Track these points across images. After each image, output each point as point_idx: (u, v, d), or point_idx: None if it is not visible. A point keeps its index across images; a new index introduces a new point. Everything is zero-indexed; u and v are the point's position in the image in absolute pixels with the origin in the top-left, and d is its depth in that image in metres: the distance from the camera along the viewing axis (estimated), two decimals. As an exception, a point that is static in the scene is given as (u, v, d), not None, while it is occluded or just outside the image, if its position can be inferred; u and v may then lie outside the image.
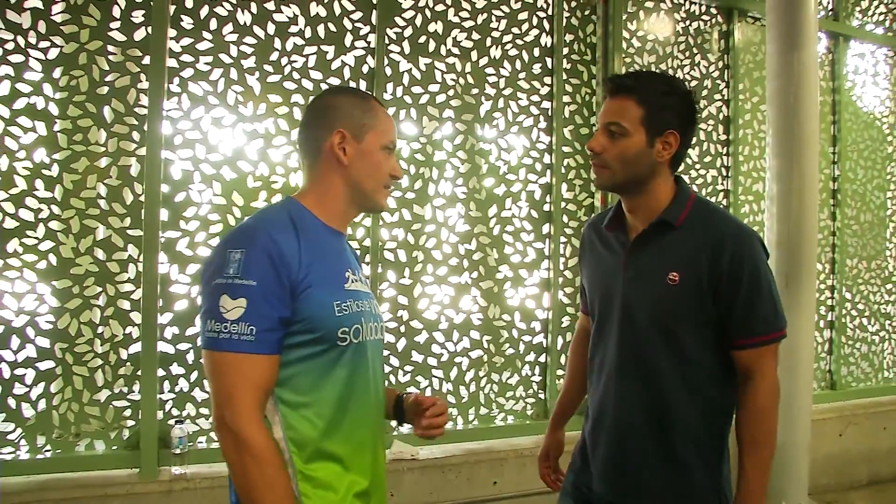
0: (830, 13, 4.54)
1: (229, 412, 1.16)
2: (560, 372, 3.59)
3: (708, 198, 4.06)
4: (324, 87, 3.08)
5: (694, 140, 3.96)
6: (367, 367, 1.36)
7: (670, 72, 3.96)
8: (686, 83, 1.72)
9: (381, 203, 1.43)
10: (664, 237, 1.59)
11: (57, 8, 2.64)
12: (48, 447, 2.64)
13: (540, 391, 3.59)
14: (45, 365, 2.62)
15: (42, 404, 2.62)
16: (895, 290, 4.82)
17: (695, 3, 4.07)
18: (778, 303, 1.55)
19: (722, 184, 4.16)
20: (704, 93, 4.10)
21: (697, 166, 4.06)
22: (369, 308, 1.38)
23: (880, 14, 4.78)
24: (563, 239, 3.63)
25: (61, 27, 2.64)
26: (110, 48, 2.72)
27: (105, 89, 2.71)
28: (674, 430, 1.57)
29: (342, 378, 1.29)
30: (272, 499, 1.16)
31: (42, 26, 2.61)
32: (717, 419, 1.60)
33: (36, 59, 2.61)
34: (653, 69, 3.89)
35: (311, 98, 1.46)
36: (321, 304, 1.26)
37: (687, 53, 4.04)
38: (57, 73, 2.64)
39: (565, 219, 3.65)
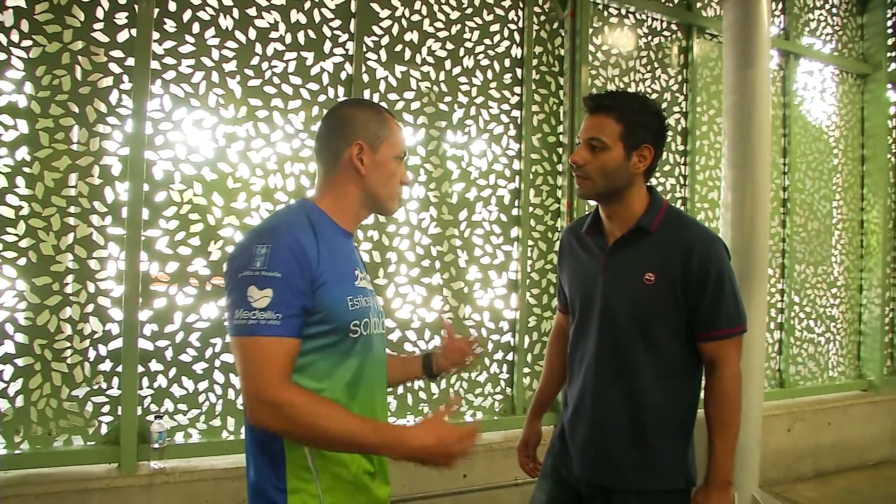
0: (782, 32, 4.81)
1: (263, 387, 1.25)
2: (527, 370, 3.73)
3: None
4: (303, 92, 3.17)
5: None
6: (374, 357, 1.48)
7: (633, 85, 4.15)
8: (657, 102, 1.87)
9: (392, 208, 1.55)
10: (640, 242, 1.76)
11: (40, 7, 2.66)
12: (26, 443, 2.66)
13: (508, 388, 3.72)
14: (23, 361, 2.64)
15: (20, 400, 2.64)
16: (839, 294, 5.11)
17: (656, 20, 4.28)
18: (740, 301, 1.73)
19: (680, 192, 4.37)
20: (664, 105, 4.29)
21: (657, 174, 4.25)
22: (374, 304, 1.50)
23: (827, 35, 5.08)
24: (530, 242, 3.78)
25: (44, 26, 2.67)
26: (93, 49, 2.76)
27: (87, 89, 2.74)
28: (646, 417, 1.73)
29: (353, 366, 1.41)
30: (339, 421, 1.26)
31: (25, 25, 2.64)
32: (685, 406, 1.76)
33: (18, 57, 2.63)
34: (617, 82, 4.08)
35: (328, 109, 1.55)
36: (336, 298, 1.37)
37: (648, 67, 4.24)
38: (39, 71, 2.66)
39: (533, 223, 3.80)
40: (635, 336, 1.73)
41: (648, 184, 1.83)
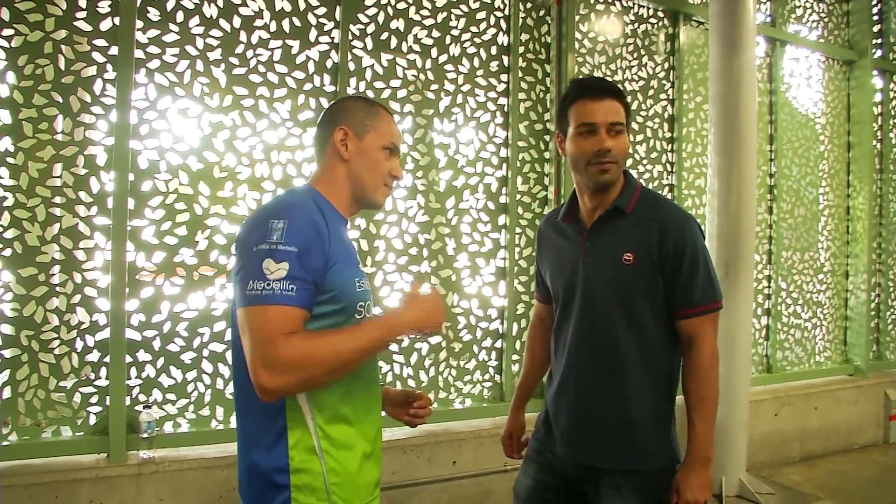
0: (768, 19, 4.82)
1: (271, 350, 1.23)
2: (515, 357, 3.75)
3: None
4: (289, 80, 3.16)
5: (640, 137, 4.19)
6: None
7: (619, 72, 4.16)
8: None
9: (379, 200, 1.55)
10: (617, 222, 1.77)
11: (21, -4, 2.65)
12: (14, 434, 2.65)
13: (496, 375, 3.74)
14: (10, 352, 2.64)
15: (7, 392, 2.64)
16: (826, 280, 5.15)
17: (643, 7, 4.28)
18: (714, 278, 1.75)
19: (667, 179, 4.39)
20: (651, 92, 4.30)
21: (644, 162, 4.27)
22: (370, 288, 1.52)
23: (813, 21, 5.09)
24: (518, 230, 3.79)
25: (26, 15, 2.65)
26: (76, 38, 2.74)
27: (71, 78, 2.73)
28: (629, 395, 1.74)
29: None
30: (343, 338, 1.31)
31: (6, 14, 2.62)
32: (667, 384, 1.78)
33: (0, 47, 2.62)
34: (603, 69, 4.09)
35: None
36: (347, 278, 1.39)
37: (635, 54, 4.25)
38: (21, 61, 2.64)
39: (520, 210, 3.81)
40: (616, 316, 1.74)
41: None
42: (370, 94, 3.36)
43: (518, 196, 3.79)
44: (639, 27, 4.27)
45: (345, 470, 1.38)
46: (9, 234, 2.64)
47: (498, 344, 3.75)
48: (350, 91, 3.29)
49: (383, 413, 1.66)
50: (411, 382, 3.47)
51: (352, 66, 3.31)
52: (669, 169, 4.39)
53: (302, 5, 3.20)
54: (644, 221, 1.74)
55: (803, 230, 5.00)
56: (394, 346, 3.42)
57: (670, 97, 4.40)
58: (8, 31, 2.63)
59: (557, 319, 1.92)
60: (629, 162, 4.17)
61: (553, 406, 1.89)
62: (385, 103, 3.36)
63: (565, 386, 1.85)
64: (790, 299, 4.92)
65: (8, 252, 2.64)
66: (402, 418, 1.71)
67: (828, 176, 5.18)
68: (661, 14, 4.36)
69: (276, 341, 1.23)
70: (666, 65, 4.39)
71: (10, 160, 2.64)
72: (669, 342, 1.76)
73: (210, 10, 2.99)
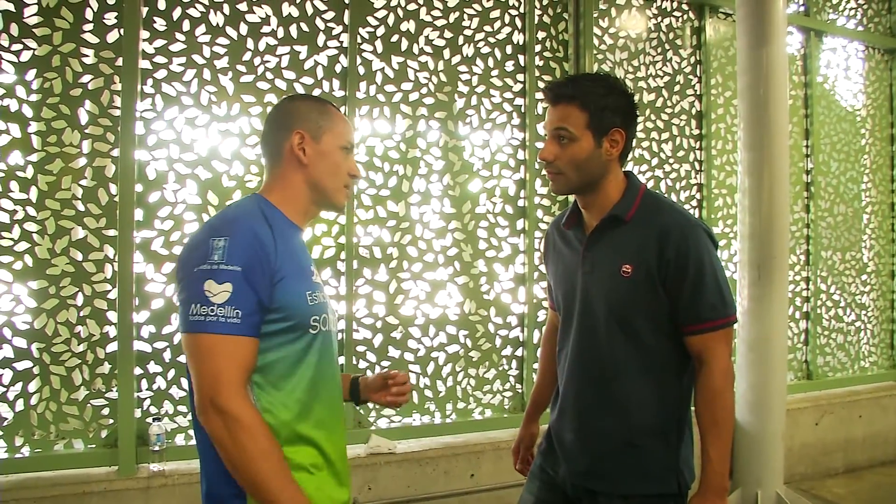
0: (802, 9, 4.61)
1: (219, 392, 1.19)
2: (536, 366, 3.63)
3: (680, 192, 4.13)
4: (297, 86, 3.12)
5: (666, 135, 4.03)
6: (332, 353, 1.44)
7: (642, 68, 4.01)
8: (623, 81, 1.77)
9: (340, 202, 1.49)
10: (616, 231, 1.65)
11: (29, 10, 2.66)
12: (26, 447, 2.66)
13: (517, 384, 3.63)
14: (22, 365, 2.65)
15: (20, 404, 2.65)
16: (870, 280, 4.90)
17: (666, 0, 4.13)
18: (725, 291, 1.60)
19: (695, 178, 4.22)
20: (677, 88, 4.14)
21: (671, 160, 4.11)
22: (328, 300, 1.45)
23: (851, 9, 4.85)
24: (537, 234, 3.67)
25: (34, 30, 2.66)
26: (83, 50, 2.74)
27: (79, 91, 2.73)
28: (630, 417, 1.63)
29: (313, 363, 1.36)
30: (269, 468, 1.21)
31: (14, 29, 2.63)
32: (674, 404, 1.65)
33: (8, 61, 2.63)
34: (625, 66, 3.95)
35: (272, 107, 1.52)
36: (296, 293, 1.32)
37: (659, 49, 4.09)
38: (30, 75, 2.66)
39: (540, 214, 3.69)
40: (616, 332, 1.63)
41: (628, 171, 1.73)
42: (381, 98, 3.29)
43: (537, 199, 3.67)
44: (662, 21, 4.11)
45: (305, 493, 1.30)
46: (19, 248, 2.65)
47: (518, 352, 3.64)
48: (360, 95, 3.24)
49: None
50: (428, 393, 3.38)
51: (361, 70, 3.25)
52: (698, 168, 4.22)
53: (309, 10, 3.16)
54: (643, 230, 1.61)
55: (844, 228, 4.76)
56: (409, 356, 3.35)
57: (698, 93, 4.22)
58: (17, 46, 2.64)
59: (560, 332, 1.82)
60: (654, 161, 4.03)
61: (555, 423, 1.79)
62: (393, 105, 3.31)
63: (565, 405, 1.75)
64: (831, 301, 4.68)
65: (19, 265, 2.65)
66: (384, 401, 1.64)
67: (870, 171, 4.92)
68: (685, 6, 4.19)
69: (229, 384, 1.19)
70: (692, 59, 4.22)
71: (19, 174, 2.65)
72: (677, 360, 1.64)
73: (216, 18, 2.97)
